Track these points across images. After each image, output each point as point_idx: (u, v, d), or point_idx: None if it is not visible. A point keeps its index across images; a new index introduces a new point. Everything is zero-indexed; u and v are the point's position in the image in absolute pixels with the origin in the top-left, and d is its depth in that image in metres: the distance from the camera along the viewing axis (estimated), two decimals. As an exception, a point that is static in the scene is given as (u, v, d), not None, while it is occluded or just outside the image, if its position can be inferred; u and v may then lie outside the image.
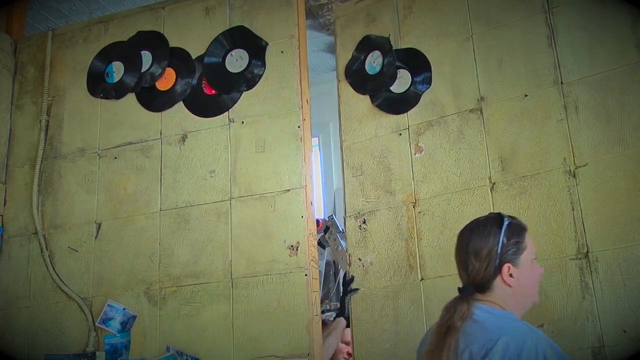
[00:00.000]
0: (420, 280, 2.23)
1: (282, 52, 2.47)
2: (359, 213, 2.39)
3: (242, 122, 2.47)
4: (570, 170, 2.07)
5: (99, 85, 2.69)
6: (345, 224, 2.43)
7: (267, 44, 2.49)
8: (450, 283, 2.14)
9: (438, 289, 2.18)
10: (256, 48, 2.50)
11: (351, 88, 2.52)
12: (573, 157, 2.07)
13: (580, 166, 2.06)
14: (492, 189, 2.18)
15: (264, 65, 2.48)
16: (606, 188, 2.00)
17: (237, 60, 2.52)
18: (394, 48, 2.45)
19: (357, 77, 2.51)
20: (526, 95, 2.20)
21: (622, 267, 1.93)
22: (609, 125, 2.05)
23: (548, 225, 2.06)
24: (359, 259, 2.35)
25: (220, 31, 2.57)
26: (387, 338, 2.23)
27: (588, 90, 2.11)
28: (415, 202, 2.31)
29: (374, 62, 2.48)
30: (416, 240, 2.27)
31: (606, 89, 2.09)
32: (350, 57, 2.54)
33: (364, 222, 2.37)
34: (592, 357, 1.91)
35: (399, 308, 2.24)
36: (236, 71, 2.51)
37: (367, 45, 2.51)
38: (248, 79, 2.48)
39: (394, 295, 2.26)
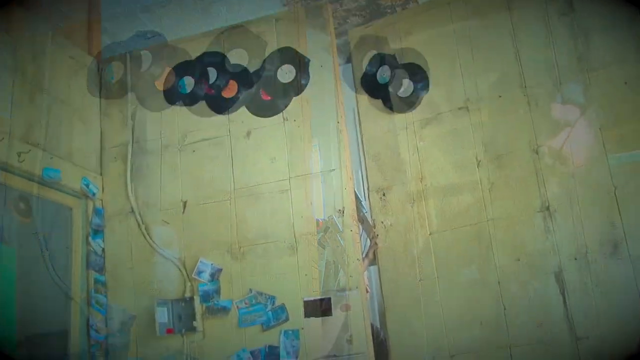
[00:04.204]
0: (429, 235, 2.74)
1: (321, 66, 2.97)
2: (379, 188, 2.93)
3: (294, 120, 2.95)
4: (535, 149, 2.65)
5: (174, 95, 3.16)
6: (369, 197, 2.96)
7: (309, 60, 2.99)
8: (452, 236, 2.72)
9: (442, 240, 2.71)
10: (301, 63, 3.01)
11: (367, 95, 3.01)
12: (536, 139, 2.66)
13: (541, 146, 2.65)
14: (478, 165, 2.72)
15: (308, 76, 2.96)
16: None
17: (286, 73, 3.02)
18: (399, 63, 2.95)
19: (371, 86, 3.02)
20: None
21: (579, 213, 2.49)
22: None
23: (521, 189, 2.62)
24: (382, 222, 2.88)
25: (271, 51, 3.05)
26: (407, 279, 2.77)
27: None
28: (421, 177, 2.83)
29: (383, 74, 3.00)
30: (424, 204, 2.81)
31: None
32: (364, 71, 3.05)
33: (384, 195, 2.91)
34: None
35: (414, 256, 2.76)
36: (286, 81, 3.02)
37: (377, 61, 3.04)
38: (296, 87, 2.97)
39: (410, 247, 2.79)
